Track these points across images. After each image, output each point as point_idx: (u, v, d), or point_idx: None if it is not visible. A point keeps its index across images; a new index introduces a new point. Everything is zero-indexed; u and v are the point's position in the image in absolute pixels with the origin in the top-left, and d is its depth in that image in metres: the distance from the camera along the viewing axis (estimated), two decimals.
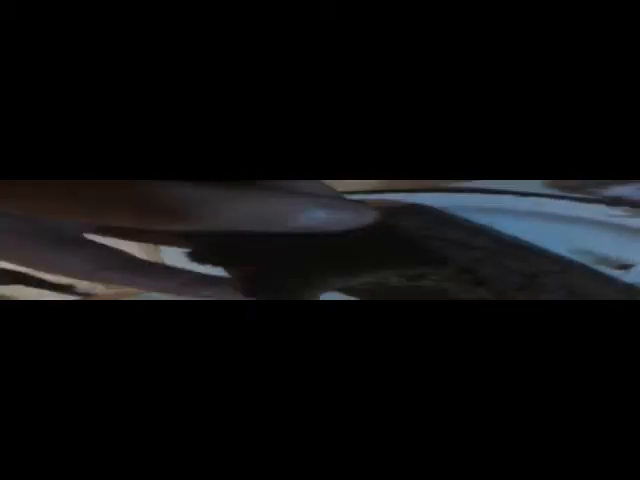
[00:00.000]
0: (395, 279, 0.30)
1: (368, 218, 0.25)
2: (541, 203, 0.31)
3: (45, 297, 0.40)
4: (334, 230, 0.24)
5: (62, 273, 0.29)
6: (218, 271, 0.30)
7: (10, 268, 0.41)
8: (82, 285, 0.39)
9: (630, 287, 0.32)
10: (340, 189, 0.27)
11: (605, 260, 0.32)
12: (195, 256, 0.29)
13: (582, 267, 0.32)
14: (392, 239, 0.28)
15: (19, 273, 0.41)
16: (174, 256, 0.31)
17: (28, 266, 0.29)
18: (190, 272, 0.31)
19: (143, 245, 0.35)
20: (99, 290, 0.38)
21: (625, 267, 0.32)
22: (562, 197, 0.31)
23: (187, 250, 0.28)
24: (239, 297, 0.31)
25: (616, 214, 0.30)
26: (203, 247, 0.29)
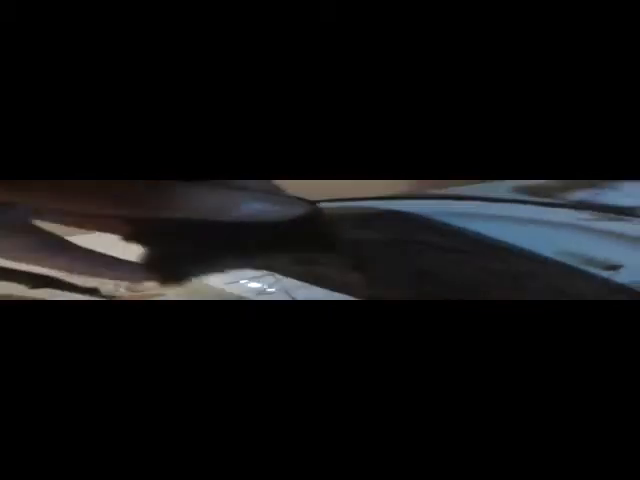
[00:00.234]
0: (296, 267, 0.31)
1: (299, 210, 0.27)
2: (515, 208, 0.32)
3: (73, 299, 0.42)
4: (269, 220, 0.27)
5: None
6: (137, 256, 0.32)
7: (42, 272, 0.43)
8: (106, 288, 0.42)
9: (619, 287, 0.33)
10: (323, 196, 0.29)
11: (590, 261, 0.33)
12: (127, 239, 0.30)
13: (565, 267, 0.33)
14: (308, 229, 0.29)
15: (50, 277, 0.43)
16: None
17: None
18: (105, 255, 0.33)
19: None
20: (122, 292, 0.40)
21: (613, 268, 0.33)
22: (531, 202, 0.32)
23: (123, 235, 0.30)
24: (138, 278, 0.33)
25: (584, 217, 0.32)
26: (139, 232, 0.30)
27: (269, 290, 0.38)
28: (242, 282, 0.39)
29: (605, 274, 0.33)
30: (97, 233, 0.34)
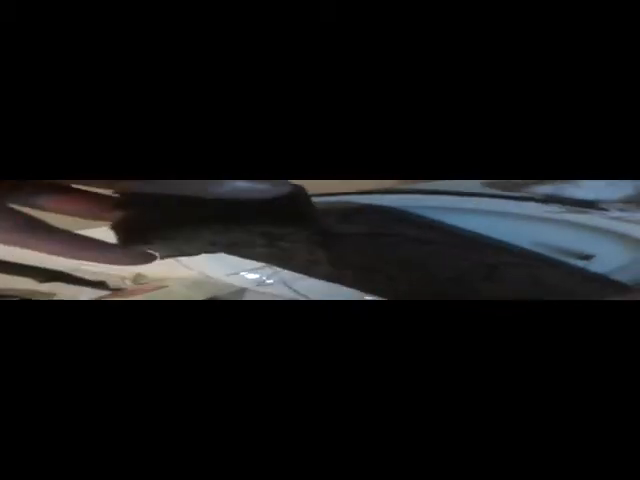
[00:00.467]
0: (261, 240, 0.32)
1: (283, 190, 0.28)
2: (486, 202, 0.33)
3: (80, 293, 0.44)
4: (253, 198, 0.28)
5: None
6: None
7: (50, 267, 0.45)
8: (113, 281, 0.43)
9: (594, 276, 0.35)
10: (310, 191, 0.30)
11: (563, 252, 0.35)
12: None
13: (541, 258, 0.34)
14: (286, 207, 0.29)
15: (58, 271, 0.45)
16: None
17: None
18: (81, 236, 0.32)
19: None
20: (128, 284, 0.42)
21: (586, 258, 0.34)
22: (500, 196, 0.33)
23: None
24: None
25: (551, 210, 0.33)
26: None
27: (268, 281, 0.39)
28: (242, 273, 0.40)
29: (580, 264, 0.35)
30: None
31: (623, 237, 0.34)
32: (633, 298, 0.35)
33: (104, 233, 0.34)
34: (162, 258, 0.33)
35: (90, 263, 0.35)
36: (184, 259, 0.40)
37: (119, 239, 0.31)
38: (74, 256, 0.33)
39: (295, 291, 0.39)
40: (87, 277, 0.44)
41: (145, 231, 0.30)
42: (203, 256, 0.37)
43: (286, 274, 0.38)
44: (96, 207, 0.32)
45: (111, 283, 0.43)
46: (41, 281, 0.45)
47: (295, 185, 0.28)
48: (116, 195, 0.30)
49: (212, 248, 0.32)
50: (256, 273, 0.40)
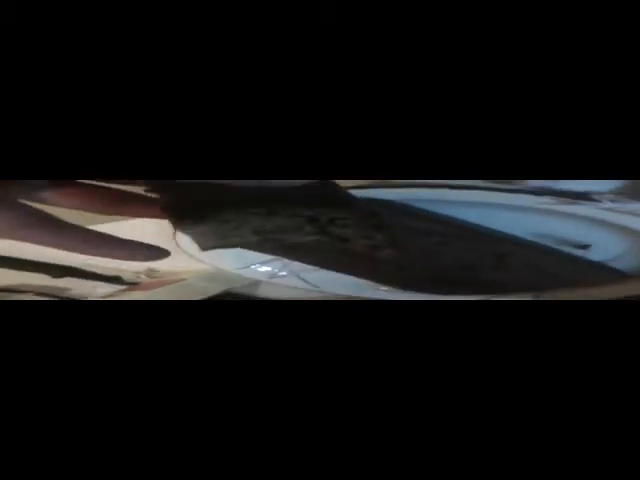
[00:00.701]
0: (309, 226, 0.32)
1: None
2: (480, 194, 0.34)
3: (95, 288, 0.45)
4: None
5: None
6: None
7: (63, 263, 0.46)
8: (127, 276, 0.44)
9: (597, 264, 0.36)
10: None
11: (562, 241, 0.36)
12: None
13: (542, 247, 0.35)
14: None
15: (72, 267, 0.46)
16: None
17: None
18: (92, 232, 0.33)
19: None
20: (143, 279, 0.43)
21: (584, 247, 0.36)
22: (494, 188, 0.34)
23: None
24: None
25: (545, 202, 0.34)
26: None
27: (280, 274, 0.41)
28: (253, 267, 0.41)
29: (579, 253, 0.36)
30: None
31: (616, 227, 0.35)
32: (632, 285, 0.36)
33: (115, 228, 0.35)
34: (204, 250, 0.33)
35: (102, 259, 0.37)
36: (196, 253, 0.41)
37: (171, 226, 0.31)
38: (88, 252, 0.34)
39: (307, 282, 0.40)
40: (101, 272, 0.45)
41: (189, 221, 0.31)
42: (215, 250, 0.38)
43: (296, 266, 0.39)
44: (107, 201, 0.33)
45: (126, 278, 0.44)
46: (55, 277, 0.46)
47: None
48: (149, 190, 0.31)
49: (256, 237, 0.33)
50: (267, 266, 0.40)
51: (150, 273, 0.43)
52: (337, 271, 0.38)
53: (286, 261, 0.40)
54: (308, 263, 0.37)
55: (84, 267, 0.45)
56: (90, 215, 0.34)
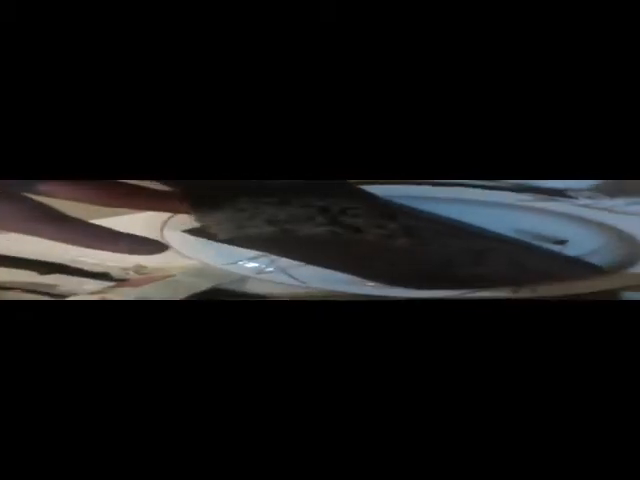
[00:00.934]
0: (321, 217, 0.33)
1: None
2: (461, 191, 0.34)
3: (83, 284, 0.45)
4: None
5: None
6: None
7: (50, 260, 0.46)
8: (115, 272, 0.45)
9: (574, 259, 0.37)
10: None
11: (540, 237, 0.36)
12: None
13: (521, 243, 0.36)
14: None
15: (58, 264, 0.46)
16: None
17: None
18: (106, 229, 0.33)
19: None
20: (132, 275, 0.43)
21: (561, 242, 0.36)
22: (474, 185, 0.34)
23: None
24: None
25: (524, 199, 0.35)
26: None
27: (267, 269, 0.41)
28: (240, 263, 0.41)
29: (556, 248, 0.37)
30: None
31: (592, 223, 0.36)
32: (607, 280, 0.37)
33: (115, 222, 0.35)
34: (221, 241, 0.34)
35: (89, 254, 0.37)
36: (183, 249, 0.41)
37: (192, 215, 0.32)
38: (88, 245, 0.34)
39: (294, 278, 0.41)
40: (88, 269, 0.45)
41: (205, 208, 0.32)
42: (201, 246, 0.39)
43: (284, 262, 0.40)
44: (108, 194, 0.33)
45: (114, 274, 0.44)
46: (43, 273, 0.46)
47: None
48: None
49: (269, 228, 0.33)
50: (254, 262, 0.41)
51: (138, 269, 0.44)
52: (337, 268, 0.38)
53: (273, 257, 0.40)
54: (317, 257, 0.37)
55: (72, 264, 0.46)
56: (86, 209, 0.34)
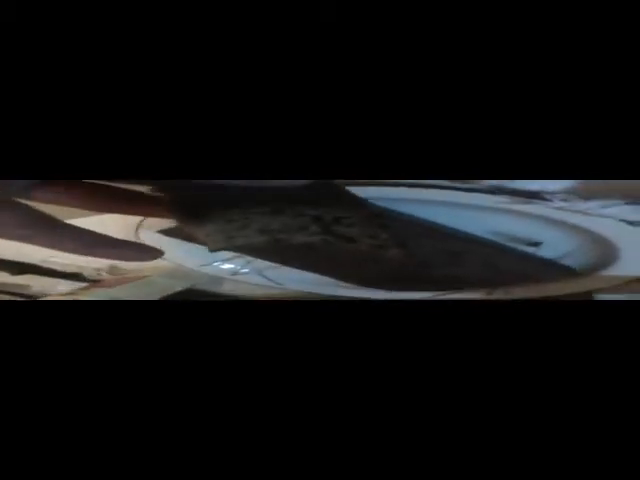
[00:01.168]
0: (314, 226, 0.32)
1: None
2: (438, 193, 0.35)
3: (55, 285, 0.45)
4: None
5: None
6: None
7: (21, 259, 0.45)
8: (88, 273, 0.44)
9: (548, 261, 0.38)
10: None
11: (514, 239, 0.37)
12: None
13: (496, 245, 0.36)
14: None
15: (30, 264, 0.45)
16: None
17: None
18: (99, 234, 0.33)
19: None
20: (105, 276, 0.43)
21: (535, 244, 0.37)
22: (451, 187, 0.35)
23: None
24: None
25: (501, 201, 0.35)
26: None
27: (242, 271, 0.41)
28: (215, 264, 0.41)
29: (530, 250, 0.37)
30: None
31: (566, 225, 0.36)
32: (581, 282, 0.38)
33: (87, 222, 0.35)
34: (212, 251, 0.34)
35: (60, 254, 0.37)
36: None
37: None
38: (86, 252, 0.34)
39: (270, 279, 0.40)
40: (61, 269, 0.44)
41: (195, 221, 0.31)
42: (177, 247, 0.39)
43: (259, 263, 0.40)
44: (109, 199, 0.33)
45: (87, 275, 0.43)
46: (14, 274, 0.45)
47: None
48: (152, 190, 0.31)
49: (262, 238, 0.33)
50: (230, 263, 0.41)
51: (112, 270, 0.43)
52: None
53: (249, 258, 0.40)
54: (308, 264, 0.37)
55: (44, 264, 0.45)
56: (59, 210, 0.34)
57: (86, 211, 0.34)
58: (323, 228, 0.33)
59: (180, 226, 0.34)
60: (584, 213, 0.35)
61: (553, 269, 0.38)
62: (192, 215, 0.33)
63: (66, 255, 0.37)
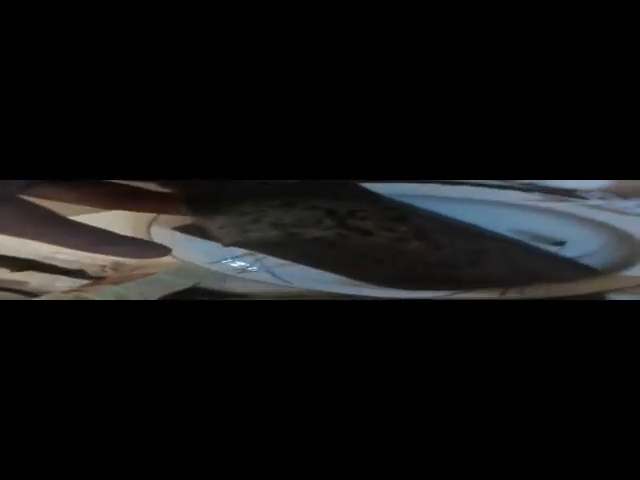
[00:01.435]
0: (329, 220, 0.32)
1: None
2: (466, 190, 0.34)
3: (57, 282, 0.44)
4: None
5: None
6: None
7: (22, 256, 0.44)
8: (92, 269, 0.43)
9: (569, 261, 0.37)
10: None
11: (539, 238, 0.36)
12: None
13: (517, 243, 0.36)
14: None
15: (32, 260, 0.44)
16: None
17: None
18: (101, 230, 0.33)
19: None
20: (109, 273, 0.42)
21: (559, 244, 0.36)
22: (483, 184, 0.34)
23: None
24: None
25: (533, 198, 0.34)
26: None
27: (251, 269, 0.40)
28: (224, 261, 0.40)
29: (552, 249, 0.36)
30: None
31: (594, 223, 0.35)
32: (603, 281, 0.37)
33: (87, 220, 0.34)
34: (226, 246, 0.33)
35: (63, 250, 0.36)
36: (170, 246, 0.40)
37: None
38: (93, 250, 0.34)
39: (278, 277, 0.39)
40: (63, 265, 0.44)
41: (208, 213, 0.31)
42: (184, 243, 0.38)
43: (269, 261, 0.39)
44: (118, 196, 0.33)
45: (91, 271, 0.42)
46: (14, 270, 0.44)
47: None
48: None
49: (274, 232, 0.32)
50: (240, 261, 0.40)
51: (117, 267, 0.42)
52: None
53: (259, 255, 0.39)
54: (324, 261, 0.36)
55: (46, 260, 0.44)
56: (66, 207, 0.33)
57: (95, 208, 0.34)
58: (338, 222, 0.32)
59: (193, 220, 0.33)
60: (621, 212, 0.34)
61: (572, 269, 0.37)
62: (204, 208, 0.32)
63: (70, 252, 0.36)
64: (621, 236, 0.35)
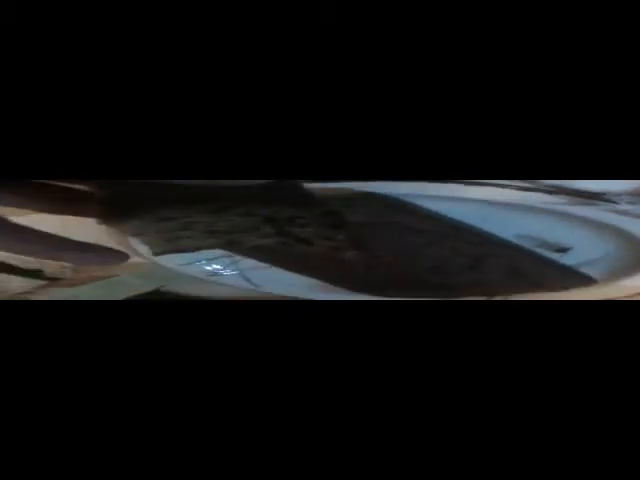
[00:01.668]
0: (267, 227, 0.31)
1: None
2: (486, 191, 0.33)
3: (13, 282, 0.41)
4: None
5: None
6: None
7: None
8: (50, 269, 0.40)
9: (567, 269, 0.35)
10: None
11: (544, 244, 0.35)
12: None
13: (520, 249, 0.34)
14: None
15: None
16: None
17: None
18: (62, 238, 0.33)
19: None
20: (68, 274, 0.39)
21: (562, 250, 0.34)
22: (508, 186, 0.33)
23: None
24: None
25: (556, 201, 0.33)
26: None
27: (223, 272, 0.37)
28: (197, 264, 0.38)
29: (555, 256, 0.35)
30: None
31: (607, 228, 0.34)
32: (600, 289, 0.36)
33: (40, 221, 0.34)
34: (155, 255, 0.32)
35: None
36: (137, 246, 0.37)
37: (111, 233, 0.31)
38: (52, 257, 0.34)
39: (250, 281, 0.37)
40: (19, 265, 0.41)
41: (136, 223, 0.30)
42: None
43: (243, 264, 0.37)
44: (47, 199, 0.32)
45: (48, 272, 0.40)
46: None
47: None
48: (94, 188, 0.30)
49: (210, 240, 0.32)
50: (214, 263, 0.38)
51: (79, 268, 0.39)
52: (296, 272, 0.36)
53: (236, 257, 0.37)
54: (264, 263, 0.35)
55: (3, 259, 0.41)
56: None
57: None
58: (277, 229, 0.32)
59: (104, 225, 0.32)
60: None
61: (573, 276, 0.36)
62: (117, 212, 0.30)
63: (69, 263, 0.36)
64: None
